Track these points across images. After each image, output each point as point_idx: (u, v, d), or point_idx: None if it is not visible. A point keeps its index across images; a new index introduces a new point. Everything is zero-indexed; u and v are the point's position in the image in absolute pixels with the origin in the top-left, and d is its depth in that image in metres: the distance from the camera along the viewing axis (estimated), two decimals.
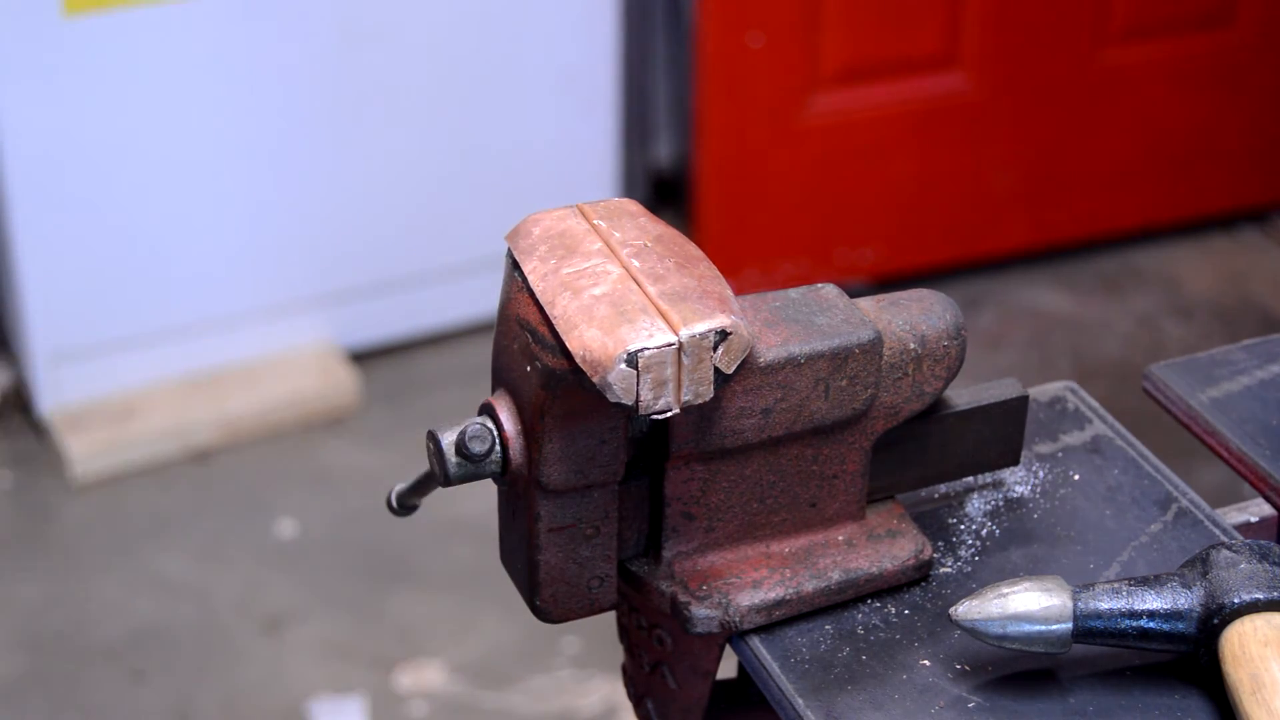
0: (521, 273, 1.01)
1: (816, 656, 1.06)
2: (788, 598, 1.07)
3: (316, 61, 3.09)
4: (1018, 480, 1.18)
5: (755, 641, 1.07)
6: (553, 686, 2.77)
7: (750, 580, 1.07)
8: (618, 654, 1.15)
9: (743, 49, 3.27)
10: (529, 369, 0.99)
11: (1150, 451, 1.21)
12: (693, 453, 1.04)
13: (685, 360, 0.95)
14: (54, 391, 3.14)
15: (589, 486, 1.03)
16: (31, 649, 2.82)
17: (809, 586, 1.07)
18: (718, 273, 1.00)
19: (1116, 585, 1.03)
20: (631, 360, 0.94)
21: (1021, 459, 1.17)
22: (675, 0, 3.36)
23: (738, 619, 1.06)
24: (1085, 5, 3.46)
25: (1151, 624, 1.02)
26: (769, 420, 1.04)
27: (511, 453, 1.02)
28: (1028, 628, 1.01)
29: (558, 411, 0.99)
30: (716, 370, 0.95)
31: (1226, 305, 3.58)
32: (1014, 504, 1.17)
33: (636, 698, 1.16)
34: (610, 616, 1.11)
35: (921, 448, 1.12)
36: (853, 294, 1.09)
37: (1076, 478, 1.19)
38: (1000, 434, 1.15)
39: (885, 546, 1.10)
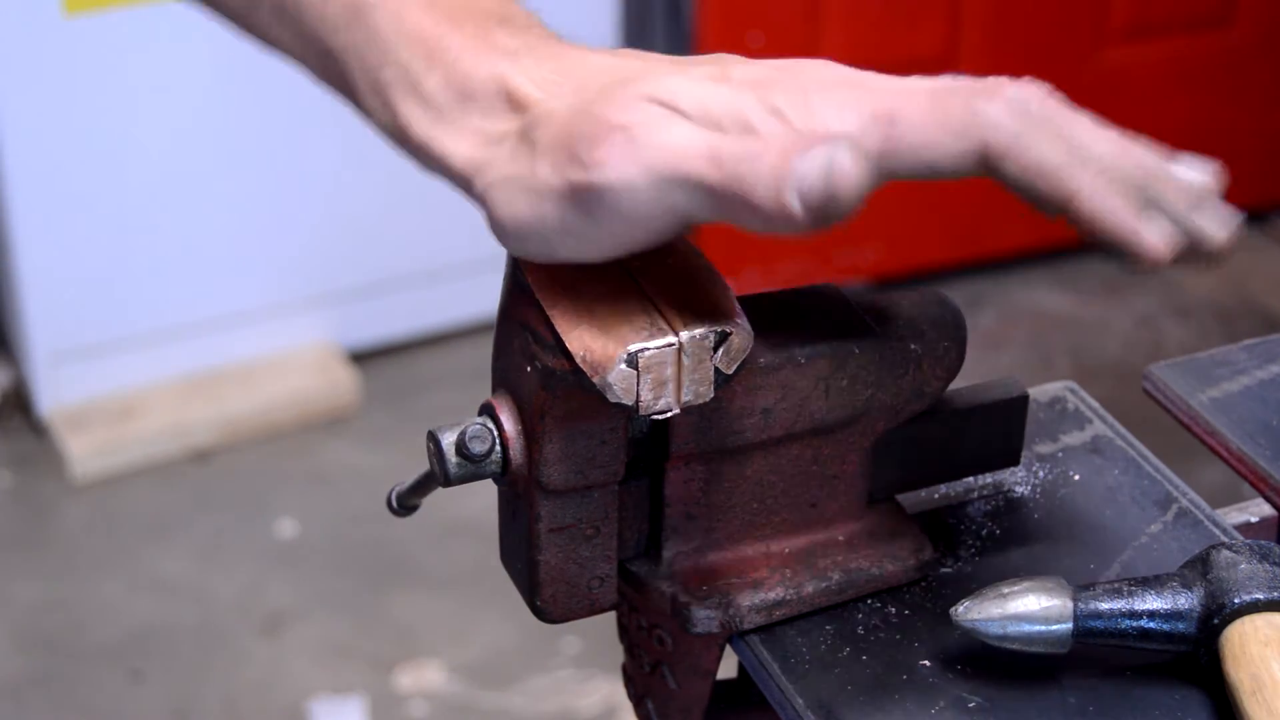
0: (521, 273, 1.01)
1: (817, 657, 1.05)
2: (788, 598, 1.07)
3: None
4: (1018, 480, 1.18)
5: (755, 641, 1.07)
6: (552, 687, 2.77)
7: (750, 580, 1.07)
8: (618, 654, 1.15)
9: (743, 49, 3.27)
10: (529, 369, 0.99)
11: (1150, 451, 1.21)
12: (693, 453, 1.04)
13: (686, 361, 0.95)
14: (54, 391, 3.14)
15: (589, 487, 1.02)
16: (31, 649, 2.81)
17: (809, 587, 1.07)
18: (718, 273, 1.00)
19: (1117, 585, 1.03)
20: (631, 360, 0.93)
21: (1021, 459, 1.17)
22: (675, 0, 3.35)
23: (738, 619, 1.06)
24: (1085, 5, 3.46)
25: (1152, 624, 1.02)
26: (769, 420, 1.04)
27: (512, 453, 1.02)
28: (1028, 628, 1.01)
29: (558, 412, 0.99)
30: (717, 371, 0.95)
31: (1226, 305, 3.57)
32: (1014, 504, 1.17)
33: (636, 698, 1.15)
34: (610, 616, 1.11)
35: (922, 448, 1.12)
36: (853, 294, 1.09)
37: (1076, 478, 1.19)
38: (1000, 433, 1.15)
39: (886, 547, 1.09)
